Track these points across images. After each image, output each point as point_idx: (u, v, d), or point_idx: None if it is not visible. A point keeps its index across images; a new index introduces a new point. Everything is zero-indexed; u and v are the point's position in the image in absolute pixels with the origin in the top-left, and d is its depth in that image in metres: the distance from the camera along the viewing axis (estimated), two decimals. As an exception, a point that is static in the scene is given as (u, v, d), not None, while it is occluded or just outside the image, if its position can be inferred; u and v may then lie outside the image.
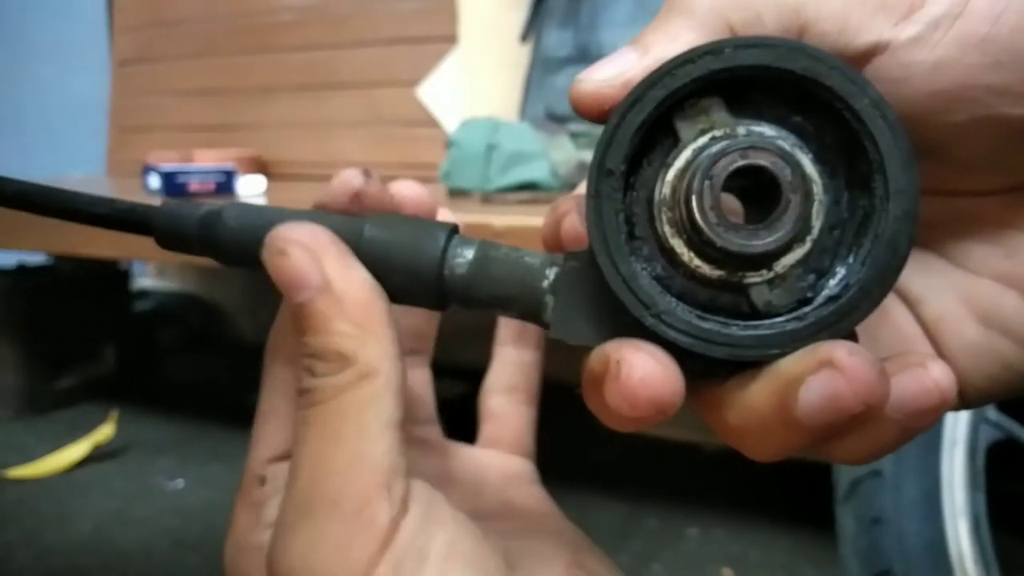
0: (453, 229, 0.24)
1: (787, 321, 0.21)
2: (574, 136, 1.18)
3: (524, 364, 0.35)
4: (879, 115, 0.20)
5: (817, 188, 0.21)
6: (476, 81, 1.55)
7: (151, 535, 1.11)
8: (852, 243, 0.21)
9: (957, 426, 0.74)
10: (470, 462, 0.34)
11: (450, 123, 1.53)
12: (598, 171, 0.21)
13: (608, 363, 0.20)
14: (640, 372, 0.20)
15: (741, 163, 0.20)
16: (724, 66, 0.20)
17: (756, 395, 0.20)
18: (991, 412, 0.74)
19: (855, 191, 0.21)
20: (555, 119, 1.35)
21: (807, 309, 0.21)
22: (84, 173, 1.99)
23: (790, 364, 0.20)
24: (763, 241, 0.20)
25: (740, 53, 0.20)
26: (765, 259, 0.20)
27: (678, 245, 0.21)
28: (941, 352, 0.24)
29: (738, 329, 0.21)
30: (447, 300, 0.24)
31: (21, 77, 2.22)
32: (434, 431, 0.34)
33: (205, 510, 1.16)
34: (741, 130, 0.21)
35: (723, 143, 0.20)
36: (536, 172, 1.17)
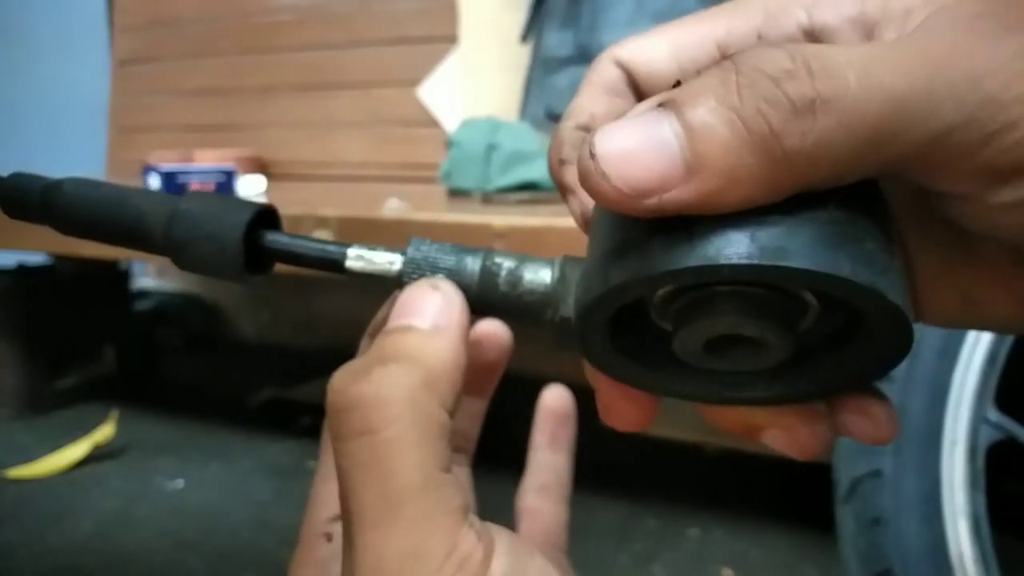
0: (264, 211, 0.25)
1: (760, 390, 0.22)
2: (574, 136, 1.18)
3: (557, 467, 0.35)
4: (891, 326, 0.19)
5: (813, 309, 0.20)
6: (476, 81, 1.55)
7: (151, 535, 1.11)
8: (838, 336, 0.21)
9: (957, 426, 0.74)
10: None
11: (450, 123, 1.53)
12: (581, 327, 0.21)
13: (598, 398, 0.24)
14: (621, 419, 0.24)
15: (727, 333, 0.20)
16: (723, 281, 0.19)
17: (728, 416, 0.24)
18: (991, 412, 0.74)
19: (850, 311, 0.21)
20: (555, 119, 1.35)
21: (782, 383, 0.22)
22: (84, 173, 1.99)
23: (760, 414, 0.23)
24: (742, 373, 0.22)
25: (743, 274, 0.17)
26: None
27: (666, 325, 0.22)
28: (914, 283, 0.23)
29: (715, 388, 0.23)
30: (246, 275, 0.25)
31: (21, 77, 2.22)
32: (475, 521, 0.33)
33: (205, 510, 1.16)
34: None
35: (718, 292, 0.20)
36: (536, 172, 1.17)
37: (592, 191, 0.18)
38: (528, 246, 0.91)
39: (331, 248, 0.24)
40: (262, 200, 0.26)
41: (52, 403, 1.55)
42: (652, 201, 0.17)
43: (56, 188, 0.27)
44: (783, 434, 0.23)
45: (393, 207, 1.07)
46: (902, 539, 0.72)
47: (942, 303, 0.23)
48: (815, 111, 0.16)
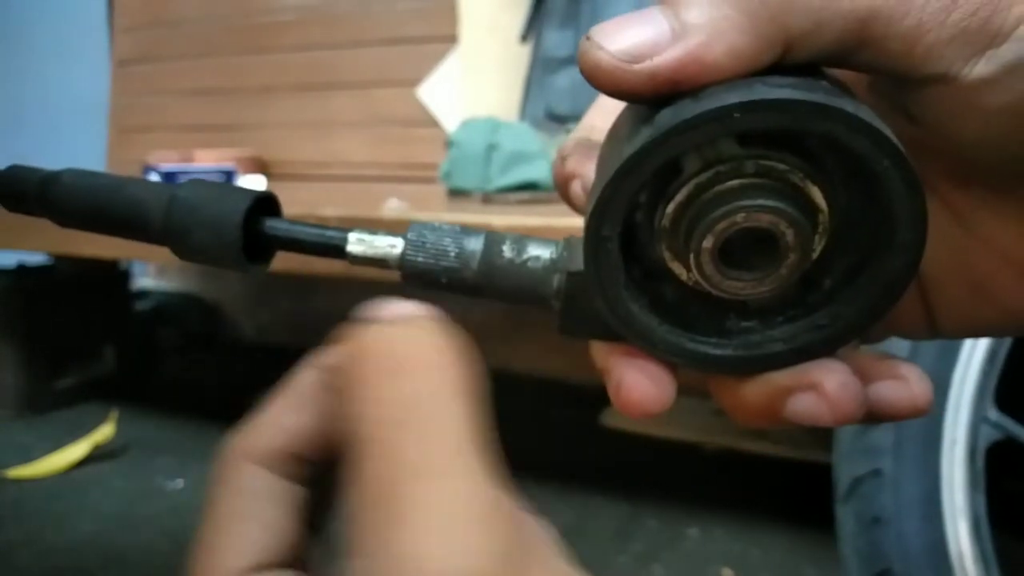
0: (264, 197, 0.25)
1: (776, 342, 0.21)
2: (574, 136, 1.18)
3: None
4: (899, 176, 0.19)
5: (823, 217, 0.20)
6: (476, 81, 1.55)
7: (151, 535, 1.11)
8: (850, 270, 0.21)
9: (957, 426, 0.74)
10: None
11: (450, 123, 1.53)
12: (593, 240, 0.20)
13: (609, 379, 0.22)
14: (636, 394, 0.22)
15: (742, 226, 0.19)
16: (732, 131, 0.18)
17: (749, 392, 0.22)
18: (991, 412, 0.74)
19: (863, 224, 0.21)
20: (555, 119, 1.35)
21: (797, 328, 0.21)
22: (84, 173, 1.99)
23: (782, 377, 0.21)
24: (760, 290, 0.21)
25: (750, 117, 0.18)
26: None
27: (677, 268, 0.21)
28: (923, 295, 0.23)
29: (730, 350, 0.22)
30: (245, 263, 0.24)
31: (21, 77, 2.22)
32: None
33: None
34: (749, 165, 0.19)
35: (726, 193, 0.19)
36: (536, 172, 1.17)
37: (588, 68, 0.18)
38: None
39: (332, 233, 0.24)
40: (260, 190, 0.25)
41: (52, 403, 1.55)
42: (645, 65, 0.18)
43: (54, 179, 0.26)
44: (810, 395, 0.21)
45: (393, 207, 1.07)
46: (902, 539, 0.72)
47: (953, 300, 0.23)
48: None
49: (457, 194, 1.24)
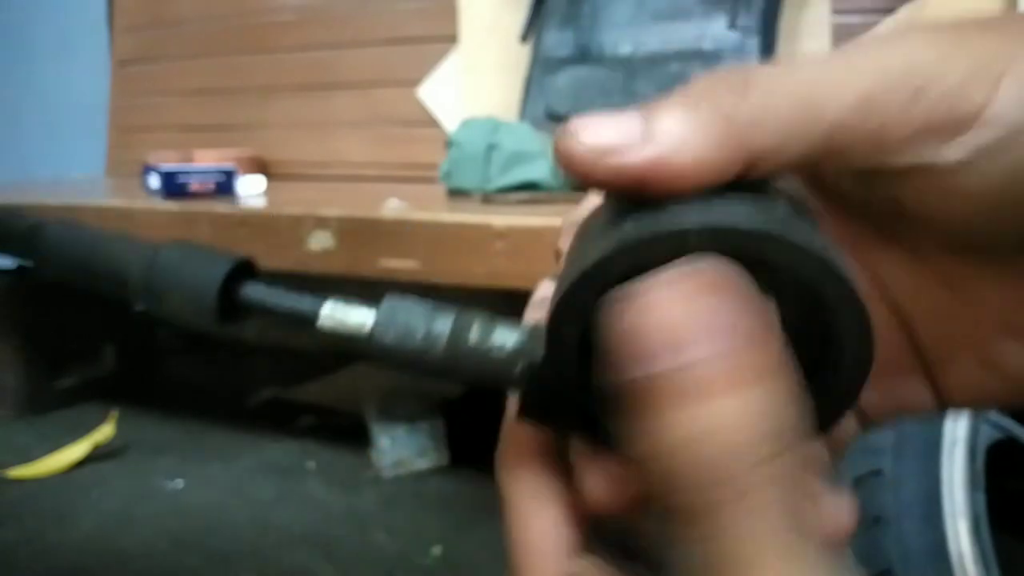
0: (242, 263, 0.25)
1: None
2: (574, 136, 1.18)
3: None
4: (845, 306, 0.19)
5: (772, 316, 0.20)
6: (476, 81, 1.55)
7: (151, 535, 1.11)
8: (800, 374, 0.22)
9: (957, 426, 0.74)
10: None
11: (450, 123, 1.53)
12: (554, 337, 0.21)
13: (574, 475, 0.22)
14: (593, 497, 0.21)
15: None
16: (684, 253, 0.19)
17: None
18: (991, 412, 0.74)
19: (811, 342, 0.21)
20: (555, 119, 1.35)
21: None
22: (84, 173, 1.99)
23: None
24: None
25: (699, 243, 0.18)
26: None
27: None
28: (929, 373, 0.23)
29: None
30: (219, 327, 0.25)
31: (21, 77, 2.22)
32: None
33: (205, 510, 1.16)
34: None
35: None
36: (536, 172, 1.17)
37: (562, 156, 0.19)
38: (528, 246, 0.91)
39: (305, 303, 0.24)
40: (239, 254, 0.26)
41: (52, 403, 1.55)
42: (612, 160, 0.19)
43: (40, 228, 0.27)
44: None
45: (393, 207, 1.07)
46: (902, 539, 0.72)
47: (961, 374, 0.23)
48: (748, 87, 0.19)
49: (457, 194, 1.24)
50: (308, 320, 0.24)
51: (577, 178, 0.19)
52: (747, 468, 0.15)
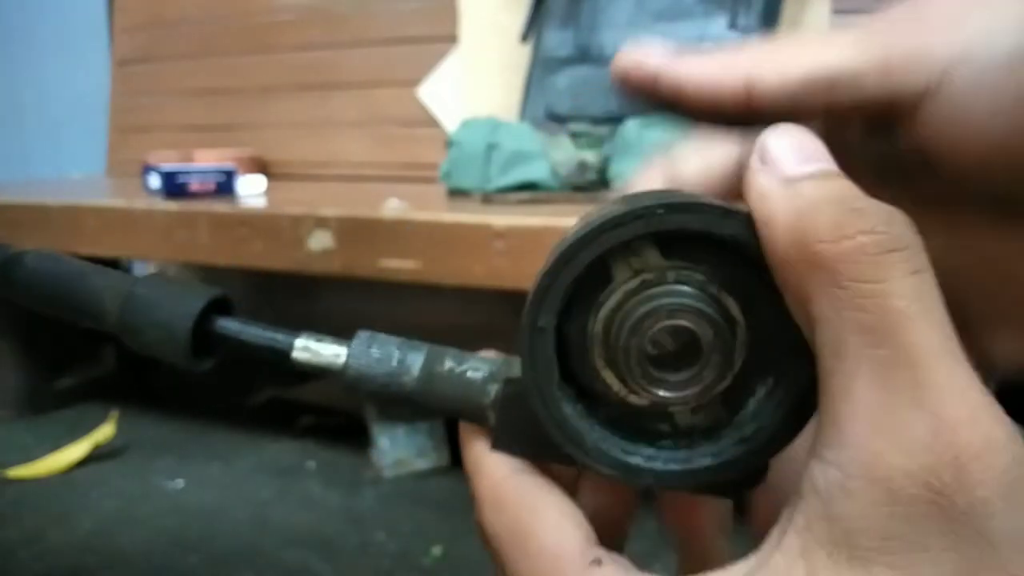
0: (217, 299, 0.26)
1: (705, 456, 0.23)
2: (574, 136, 1.18)
3: None
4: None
5: (741, 331, 0.21)
6: (476, 81, 1.55)
7: (151, 535, 1.11)
8: (768, 379, 0.22)
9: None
10: None
11: (450, 123, 1.53)
12: (530, 329, 0.21)
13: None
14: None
15: (666, 323, 0.21)
16: (655, 230, 0.20)
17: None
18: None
19: (777, 335, 0.21)
20: (555, 119, 1.35)
21: (723, 443, 0.23)
22: (84, 173, 1.99)
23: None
24: (687, 394, 0.22)
25: (671, 217, 0.20)
26: None
27: (609, 377, 0.22)
28: (976, 345, 0.23)
29: (660, 463, 0.23)
30: (193, 363, 0.26)
31: (21, 76, 2.22)
32: None
33: (205, 510, 1.16)
34: (671, 275, 0.21)
35: (651, 297, 0.21)
36: (536, 172, 1.17)
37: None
38: (528, 246, 0.91)
39: (279, 338, 0.25)
40: (215, 290, 0.27)
41: (52, 403, 1.55)
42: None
43: (17, 260, 0.27)
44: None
45: (393, 207, 1.07)
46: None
47: (1007, 340, 0.23)
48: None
49: (457, 194, 1.24)
50: (283, 353, 0.25)
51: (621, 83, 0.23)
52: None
